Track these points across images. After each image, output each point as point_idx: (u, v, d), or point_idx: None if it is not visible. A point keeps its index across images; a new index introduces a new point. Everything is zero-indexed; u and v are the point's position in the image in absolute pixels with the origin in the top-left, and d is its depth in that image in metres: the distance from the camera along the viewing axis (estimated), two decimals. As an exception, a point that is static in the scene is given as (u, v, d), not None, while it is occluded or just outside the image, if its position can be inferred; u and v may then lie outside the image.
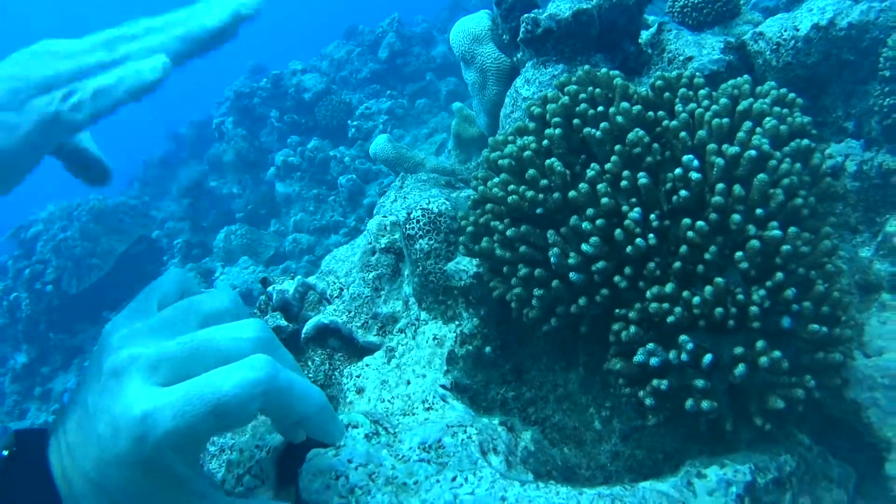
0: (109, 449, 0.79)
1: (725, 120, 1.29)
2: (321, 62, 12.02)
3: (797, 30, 2.06)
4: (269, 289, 2.22)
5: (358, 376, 1.60)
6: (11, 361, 9.35)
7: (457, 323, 1.57)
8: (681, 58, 2.21)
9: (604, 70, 1.55)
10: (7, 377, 9.14)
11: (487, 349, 1.53)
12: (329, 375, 1.85)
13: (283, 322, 2.15)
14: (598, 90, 1.46)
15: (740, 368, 1.17)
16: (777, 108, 1.37)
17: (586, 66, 1.61)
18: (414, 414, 1.37)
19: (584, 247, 1.27)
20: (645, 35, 2.53)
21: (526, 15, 2.29)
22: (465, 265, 1.61)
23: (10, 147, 0.85)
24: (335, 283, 2.03)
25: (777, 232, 1.19)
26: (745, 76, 1.46)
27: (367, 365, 1.63)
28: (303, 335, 2.01)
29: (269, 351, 0.88)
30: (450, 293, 1.61)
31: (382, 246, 1.93)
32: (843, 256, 1.61)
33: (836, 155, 1.87)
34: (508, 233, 1.35)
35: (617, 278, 1.28)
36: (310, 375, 1.86)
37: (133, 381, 0.82)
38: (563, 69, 2.18)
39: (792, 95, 1.45)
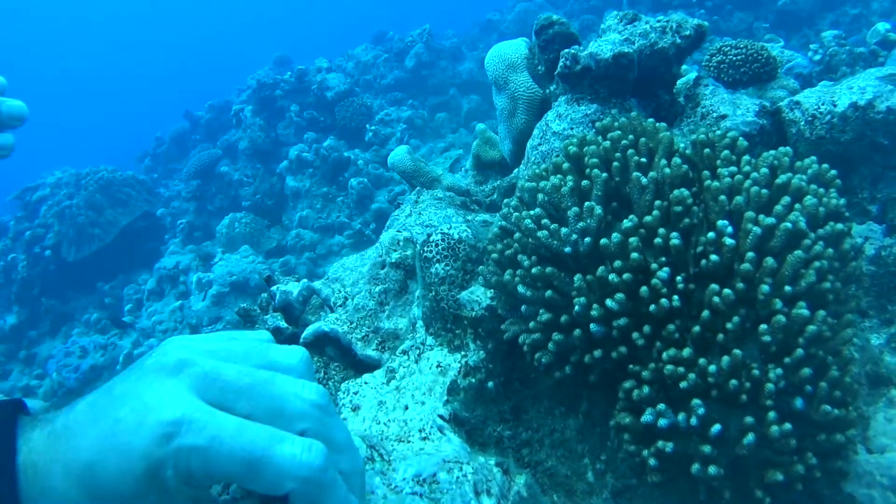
0: (123, 434, 0.73)
1: (765, 191, 1.28)
2: (347, 63, 12.05)
3: (835, 105, 2.05)
4: (273, 288, 2.20)
5: (355, 393, 1.57)
6: (0, 322, 9.35)
7: (462, 353, 1.55)
8: (714, 115, 2.20)
9: (650, 120, 1.53)
10: (-6, 337, 9.15)
11: (490, 384, 1.51)
12: (323, 385, 1.83)
13: (283, 324, 2.13)
14: (642, 139, 1.45)
15: (749, 437, 1.15)
16: (814, 186, 1.35)
17: (632, 113, 1.60)
18: (409, 441, 1.35)
19: (608, 302, 1.25)
20: (678, 83, 2.52)
21: (566, 50, 2.27)
22: (478, 295, 1.59)
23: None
24: (340, 292, 2.01)
25: (805, 311, 1.17)
26: (787, 148, 1.45)
27: (365, 382, 1.61)
28: (301, 340, 1.99)
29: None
30: (459, 322, 1.59)
31: (393, 261, 1.91)
32: (856, 344, 1.59)
33: (857, 236, 1.85)
34: (534, 270, 1.33)
35: (635, 335, 1.26)
36: (303, 382, 1.84)
37: (180, 384, 0.77)
38: (597, 109, 2.17)
39: (832, 173, 1.44)
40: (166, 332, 8.05)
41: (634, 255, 1.25)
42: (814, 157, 1.46)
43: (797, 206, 1.28)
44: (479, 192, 3.05)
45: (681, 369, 1.20)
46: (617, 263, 1.26)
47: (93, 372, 7.95)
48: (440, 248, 1.65)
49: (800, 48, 6.88)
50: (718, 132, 1.48)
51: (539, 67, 2.72)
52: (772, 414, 1.16)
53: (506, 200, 1.60)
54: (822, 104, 2.07)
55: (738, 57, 3.12)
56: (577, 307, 1.28)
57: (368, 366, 1.81)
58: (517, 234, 1.44)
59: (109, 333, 8.69)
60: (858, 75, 2.17)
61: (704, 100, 2.29)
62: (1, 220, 10.81)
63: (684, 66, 3.06)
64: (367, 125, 9.48)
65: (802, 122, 2.08)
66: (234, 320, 6.86)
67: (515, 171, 2.82)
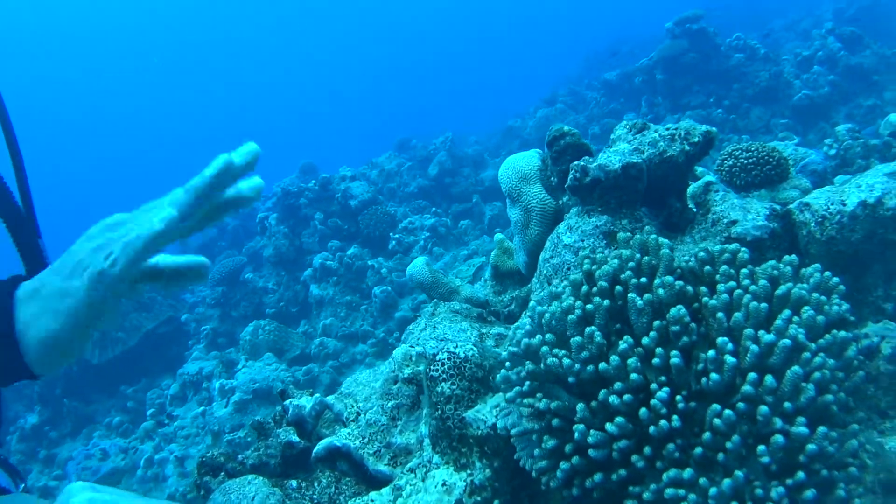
0: None
1: (763, 305, 1.27)
2: (371, 171, 12.26)
3: (844, 205, 2.05)
4: (287, 402, 2.20)
5: (361, 513, 1.56)
6: (22, 420, 9.41)
7: (469, 472, 1.53)
8: (725, 220, 2.21)
9: (653, 237, 1.55)
10: (15, 436, 9.16)
11: (496, 502, 1.49)
12: (333, 500, 1.81)
13: (296, 438, 2.13)
14: (645, 258, 1.46)
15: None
16: (815, 295, 1.35)
17: (651, 234, 1.61)
18: (413, 566, 1.33)
19: (608, 426, 1.25)
20: (691, 188, 2.54)
21: (575, 162, 2.31)
22: (484, 414, 1.58)
23: (75, 307, 1.01)
24: (353, 407, 2.00)
25: (804, 429, 1.15)
26: (792, 257, 1.45)
27: (371, 500, 1.59)
28: (313, 454, 1.98)
29: None
30: (465, 441, 1.57)
31: (405, 376, 1.91)
32: (869, 450, 1.55)
33: (873, 335, 1.83)
34: (540, 405, 1.34)
35: (635, 458, 1.25)
36: (314, 497, 1.83)
37: None
38: (607, 220, 2.19)
39: (835, 281, 1.43)
40: (188, 438, 8.03)
41: (634, 375, 1.25)
42: (818, 266, 1.46)
43: (795, 318, 1.28)
44: (497, 302, 3.06)
45: (681, 491, 1.19)
46: (617, 385, 1.26)
47: (113, 475, 7.91)
48: (446, 366, 1.65)
49: (816, 143, 6.93)
50: (718, 247, 1.49)
51: (552, 179, 2.76)
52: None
53: (518, 324, 1.61)
54: (832, 204, 2.08)
55: (750, 160, 3.14)
56: (576, 434, 1.28)
57: (380, 482, 1.79)
58: (528, 364, 1.44)
59: (131, 437, 8.67)
60: (866, 173, 2.18)
61: (715, 206, 2.30)
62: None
63: (701, 169, 3.09)
64: (391, 233, 9.59)
65: (812, 224, 2.09)
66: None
67: (532, 281, 2.84)
